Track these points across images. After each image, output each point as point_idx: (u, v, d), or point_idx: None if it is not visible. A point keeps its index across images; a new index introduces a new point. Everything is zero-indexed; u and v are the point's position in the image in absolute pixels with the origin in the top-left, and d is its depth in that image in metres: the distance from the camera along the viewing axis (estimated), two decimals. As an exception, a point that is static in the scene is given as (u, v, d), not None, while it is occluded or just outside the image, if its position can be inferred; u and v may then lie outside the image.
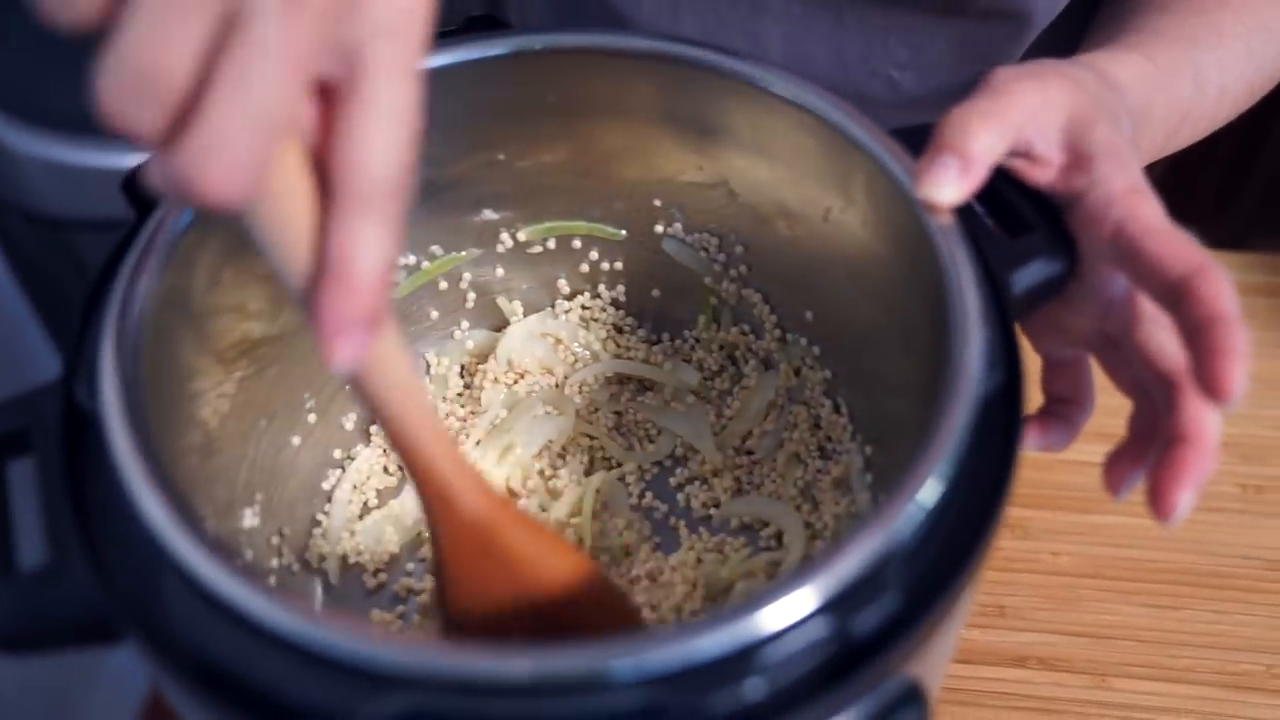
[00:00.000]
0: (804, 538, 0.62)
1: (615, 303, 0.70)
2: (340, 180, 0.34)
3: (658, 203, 0.65)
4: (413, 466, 0.46)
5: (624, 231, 0.65)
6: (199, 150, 0.30)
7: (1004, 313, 0.48)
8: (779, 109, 0.55)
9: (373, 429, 0.67)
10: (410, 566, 0.64)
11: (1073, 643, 0.74)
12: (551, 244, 0.67)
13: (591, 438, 0.68)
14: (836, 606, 0.38)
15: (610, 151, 0.62)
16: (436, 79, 0.55)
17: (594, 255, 0.68)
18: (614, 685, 0.36)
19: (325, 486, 0.65)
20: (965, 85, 0.51)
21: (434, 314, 0.68)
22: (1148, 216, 0.47)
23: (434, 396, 0.69)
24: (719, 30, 0.72)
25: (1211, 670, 0.73)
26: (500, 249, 0.67)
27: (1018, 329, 0.48)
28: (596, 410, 0.68)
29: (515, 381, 0.69)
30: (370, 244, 0.34)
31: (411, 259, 0.64)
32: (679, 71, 0.57)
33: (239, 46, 0.30)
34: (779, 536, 0.63)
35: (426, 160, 0.58)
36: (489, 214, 0.65)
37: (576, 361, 0.70)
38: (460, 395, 0.69)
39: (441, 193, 0.62)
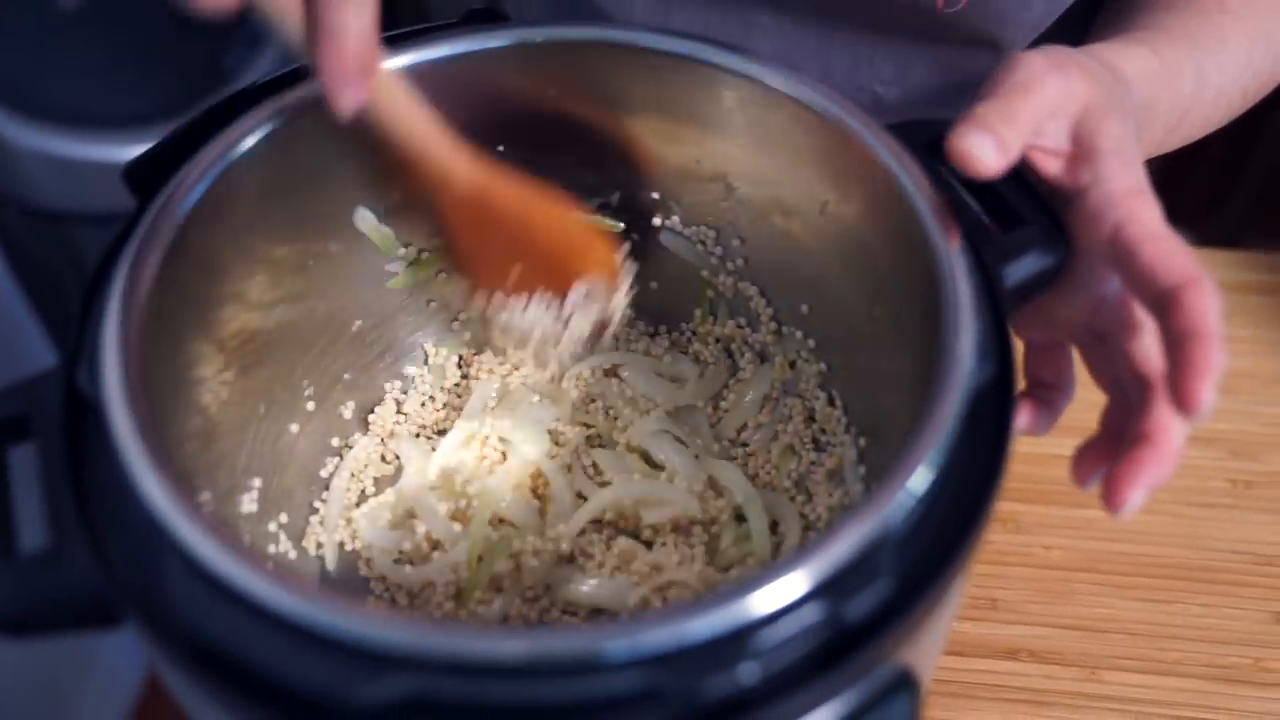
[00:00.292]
0: (799, 528, 0.63)
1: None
2: None
3: (656, 195, 0.65)
4: (418, 165, 0.54)
5: (621, 224, 0.65)
6: None
7: (997, 305, 0.48)
8: (777, 103, 0.56)
9: (370, 417, 0.68)
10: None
11: (1064, 635, 0.75)
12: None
13: (588, 425, 0.68)
14: (829, 591, 0.39)
15: (609, 144, 0.62)
16: (437, 71, 0.56)
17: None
18: (609, 666, 0.37)
19: (323, 474, 0.66)
20: (947, 102, 0.52)
21: (432, 304, 0.69)
22: (1147, 221, 0.48)
23: (431, 387, 0.70)
24: None
25: (1201, 663, 0.73)
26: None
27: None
28: (594, 401, 0.69)
29: (509, 374, 0.70)
30: (356, 17, 0.44)
31: (412, 250, 0.65)
32: (678, 65, 0.57)
33: None
34: (774, 526, 0.64)
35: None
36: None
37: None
38: (457, 385, 0.70)
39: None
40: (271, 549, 0.60)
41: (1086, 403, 0.52)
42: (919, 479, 0.41)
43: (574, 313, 0.59)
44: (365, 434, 0.68)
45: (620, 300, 0.60)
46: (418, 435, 0.69)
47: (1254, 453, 0.84)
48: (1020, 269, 0.49)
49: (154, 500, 0.40)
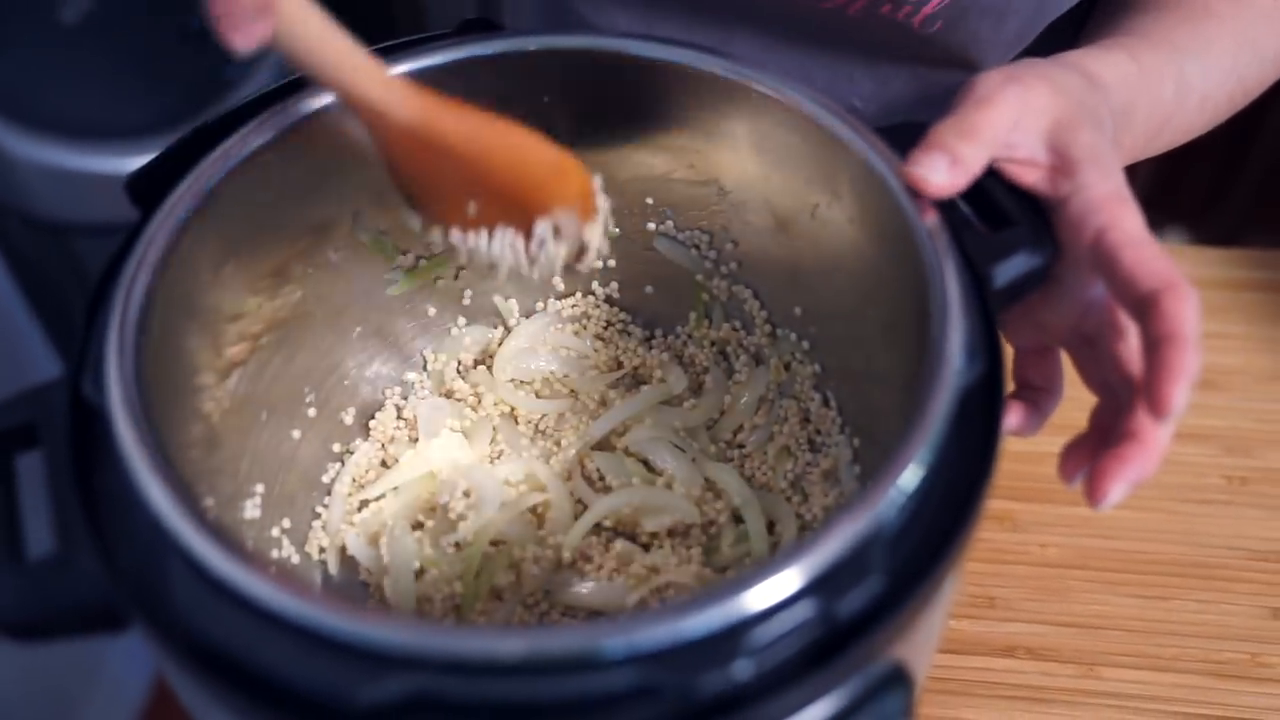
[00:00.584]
0: (796, 528, 0.63)
1: (609, 300, 0.71)
2: None
3: (650, 201, 0.66)
4: (348, 98, 0.51)
5: (617, 229, 0.66)
6: None
7: (986, 305, 0.49)
8: (767, 108, 0.57)
9: (371, 423, 0.69)
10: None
11: (1061, 633, 0.75)
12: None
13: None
14: (822, 588, 0.39)
15: (602, 150, 0.63)
16: (432, 79, 0.57)
17: (588, 253, 0.69)
18: (606, 663, 0.37)
19: (325, 480, 0.66)
20: (925, 117, 0.53)
21: (431, 310, 0.69)
22: (1127, 227, 0.49)
23: (430, 391, 0.71)
24: None
25: (1197, 659, 0.74)
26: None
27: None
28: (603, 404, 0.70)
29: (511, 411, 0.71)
30: None
31: (411, 257, 0.65)
32: (670, 71, 0.58)
33: None
34: (771, 526, 0.64)
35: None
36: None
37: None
38: (453, 393, 0.71)
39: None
40: (275, 554, 0.61)
41: (1081, 402, 0.53)
42: (909, 477, 0.42)
43: (543, 245, 0.56)
44: (366, 439, 0.68)
45: (597, 229, 0.57)
46: (417, 441, 0.69)
47: (1248, 449, 0.85)
48: (1009, 269, 0.50)
49: (159, 506, 0.41)
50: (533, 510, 0.66)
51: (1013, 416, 0.56)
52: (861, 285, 0.58)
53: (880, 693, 0.41)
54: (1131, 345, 0.50)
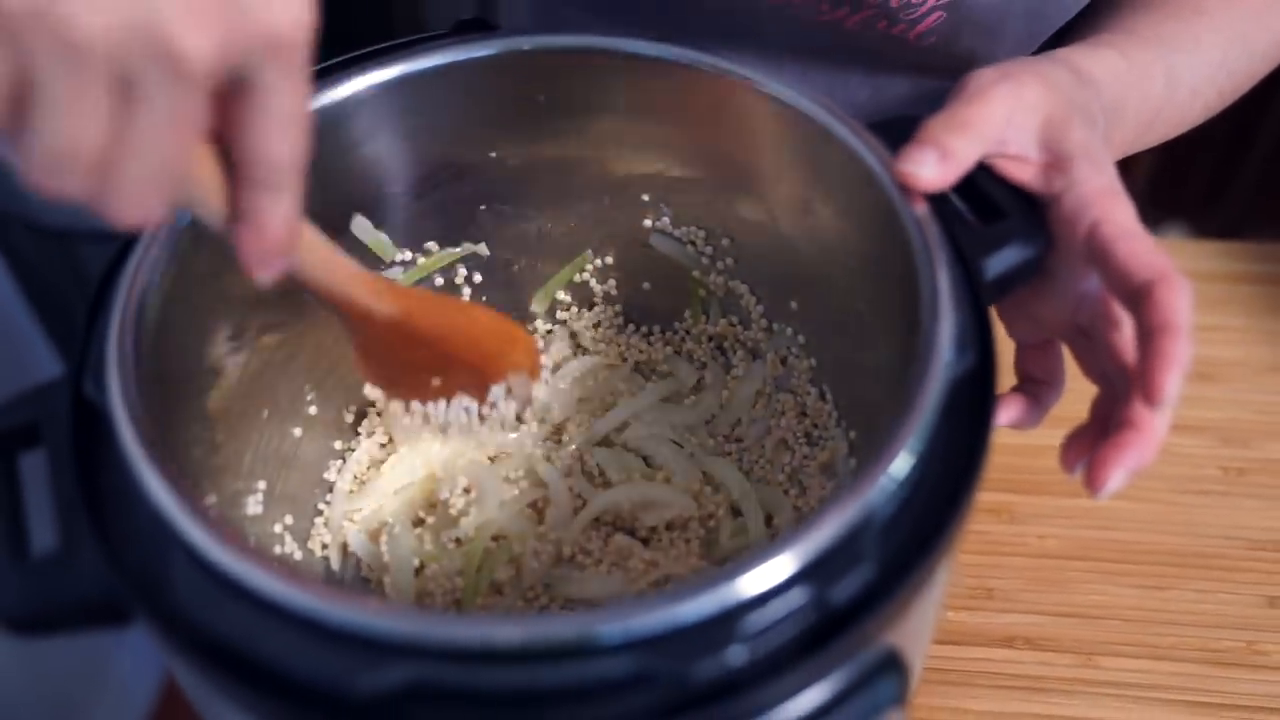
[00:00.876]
0: (793, 519, 0.64)
1: (607, 297, 0.72)
2: (248, 169, 0.41)
3: (646, 198, 0.67)
4: (338, 306, 0.53)
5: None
6: (117, 201, 0.38)
7: (978, 297, 0.49)
8: (761, 104, 0.57)
9: (363, 423, 0.69)
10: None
11: (1059, 623, 0.76)
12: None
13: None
14: (815, 574, 0.40)
15: (598, 148, 0.64)
16: (429, 80, 0.58)
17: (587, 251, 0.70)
18: (602, 649, 0.38)
19: (327, 477, 0.67)
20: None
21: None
22: (1120, 220, 0.49)
23: None
24: None
25: (1195, 647, 0.74)
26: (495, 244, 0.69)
27: (993, 315, 0.50)
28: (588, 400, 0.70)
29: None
30: (276, 209, 0.42)
31: (408, 255, 0.66)
32: (662, 70, 0.59)
33: (137, 122, 0.36)
34: (769, 519, 0.65)
35: (421, 158, 0.60)
36: (483, 210, 0.66)
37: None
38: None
39: (436, 190, 0.64)
40: (277, 550, 0.61)
41: (1081, 395, 0.54)
42: (900, 465, 0.42)
43: (494, 407, 0.61)
44: (369, 437, 0.69)
45: (541, 385, 0.63)
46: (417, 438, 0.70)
47: (1246, 440, 0.85)
48: (1001, 261, 0.51)
49: (159, 500, 0.42)
50: (532, 505, 0.66)
51: (1013, 409, 0.57)
52: (854, 279, 0.59)
53: (874, 679, 0.42)
54: (1126, 336, 0.51)
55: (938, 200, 0.51)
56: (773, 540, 0.62)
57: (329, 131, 0.56)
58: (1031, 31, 0.69)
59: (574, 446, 0.68)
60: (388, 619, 0.38)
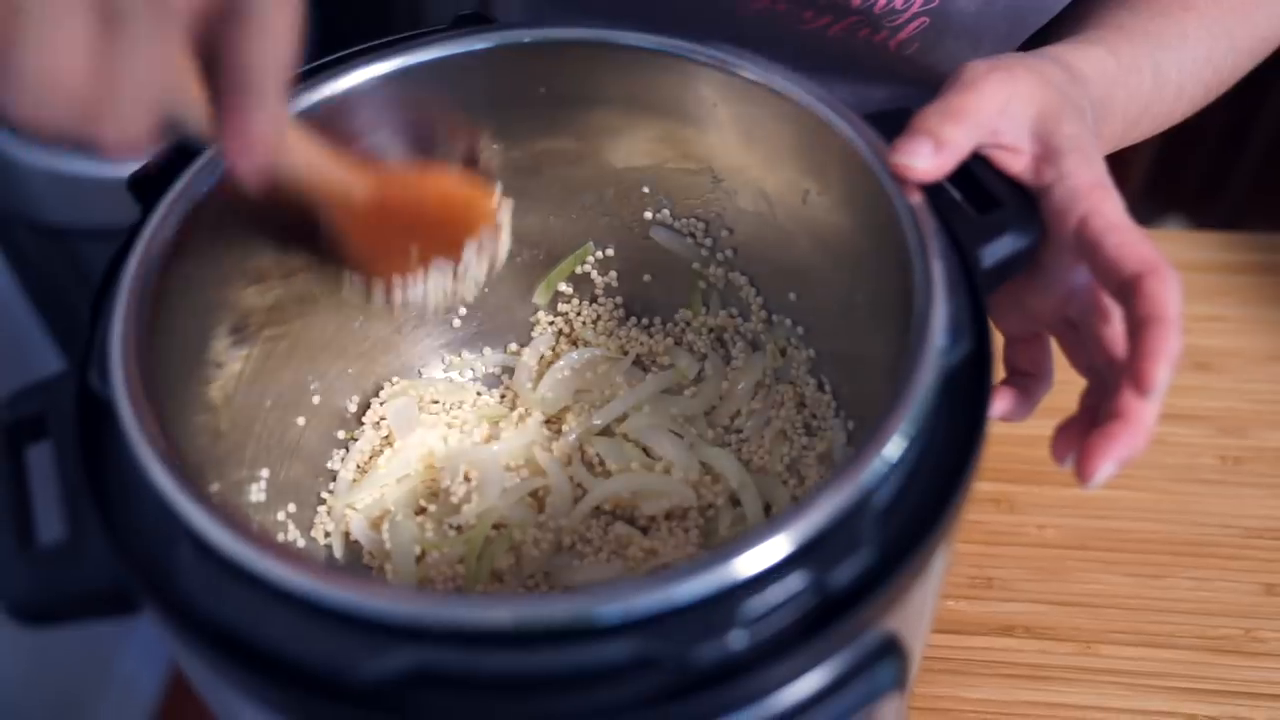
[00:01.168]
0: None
1: (607, 289, 0.72)
2: (233, 74, 0.41)
3: (646, 190, 0.67)
4: (325, 195, 0.54)
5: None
6: (107, 125, 0.38)
7: (974, 285, 0.50)
8: (758, 96, 0.58)
9: (366, 414, 0.70)
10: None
11: (1059, 612, 0.76)
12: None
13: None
14: (813, 557, 0.40)
15: (598, 140, 0.64)
16: (427, 72, 0.58)
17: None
18: (600, 630, 0.38)
19: (330, 466, 0.67)
20: None
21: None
22: (1109, 213, 0.50)
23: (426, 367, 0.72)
24: None
25: (1193, 635, 0.75)
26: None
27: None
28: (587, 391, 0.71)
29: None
30: (262, 114, 0.43)
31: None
32: (662, 62, 0.59)
33: (122, 41, 0.36)
34: (768, 509, 0.65)
35: (422, 151, 0.61)
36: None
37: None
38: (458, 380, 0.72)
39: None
40: (280, 537, 0.62)
41: (1072, 386, 0.54)
42: (893, 448, 0.43)
43: (468, 270, 0.61)
44: (375, 428, 0.69)
45: (505, 239, 0.62)
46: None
47: (1243, 429, 0.86)
48: (997, 249, 0.51)
49: (164, 488, 0.42)
50: (533, 495, 0.67)
51: (1003, 402, 0.57)
52: (853, 269, 0.59)
53: (873, 664, 0.42)
54: (1115, 328, 0.52)
55: (933, 190, 0.52)
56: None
57: (329, 125, 0.56)
58: (1011, 35, 0.70)
59: (574, 436, 0.68)
60: (388, 600, 0.39)
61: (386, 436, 0.69)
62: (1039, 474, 0.83)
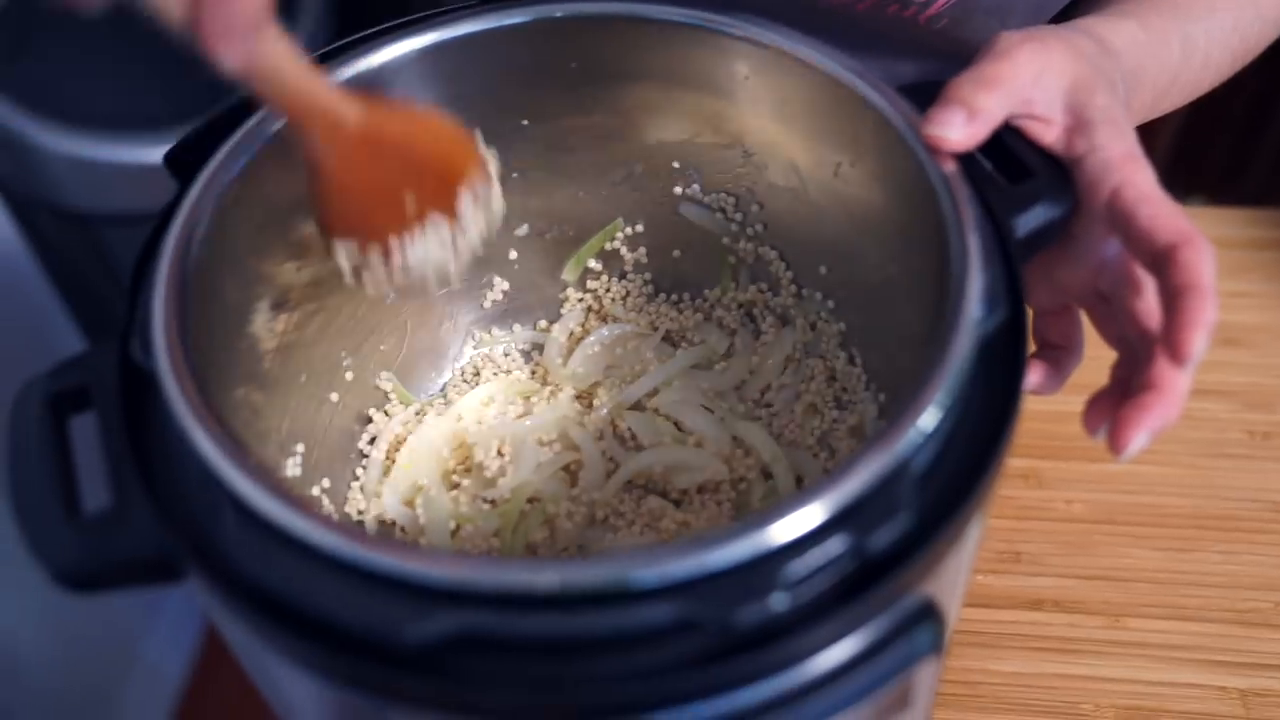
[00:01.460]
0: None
1: (637, 265, 0.73)
2: None
3: (676, 165, 0.67)
4: (308, 114, 0.52)
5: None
6: None
7: (1008, 254, 0.50)
8: (789, 68, 0.58)
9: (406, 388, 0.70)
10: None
11: (1087, 585, 0.76)
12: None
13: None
14: (850, 522, 0.40)
15: (629, 115, 0.64)
16: (459, 47, 0.58)
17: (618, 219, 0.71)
18: (639, 593, 0.39)
19: (362, 443, 0.68)
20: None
21: (465, 278, 0.70)
22: (1141, 184, 0.50)
23: (467, 358, 0.73)
24: None
25: (1221, 608, 0.75)
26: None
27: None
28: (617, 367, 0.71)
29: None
30: None
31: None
32: (694, 36, 0.59)
33: None
34: (800, 481, 0.66)
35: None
36: (515, 178, 0.67)
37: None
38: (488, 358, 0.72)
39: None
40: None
41: (1102, 361, 0.54)
42: (929, 417, 0.43)
43: (465, 227, 0.58)
44: (406, 406, 0.70)
45: (498, 194, 0.60)
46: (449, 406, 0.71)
47: (1270, 404, 0.86)
48: (1030, 219, 0.51)
49: (209, 455, 0.43)
50: (566, 469, 0.67)
51: (1034, 375, 0.57)
52: (884, 242, 0.60)
53: (912, 627, 0.43)
54: (1147, 300, 0.51)
55: (966, 161, 0.52)
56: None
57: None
58: (1041, 9, 0.70)
59: (605, 411, 0.69)
60: (435, 564, 0.39)
61: (419, 412, 0.70)
62: (1066, 449, 0.83)
